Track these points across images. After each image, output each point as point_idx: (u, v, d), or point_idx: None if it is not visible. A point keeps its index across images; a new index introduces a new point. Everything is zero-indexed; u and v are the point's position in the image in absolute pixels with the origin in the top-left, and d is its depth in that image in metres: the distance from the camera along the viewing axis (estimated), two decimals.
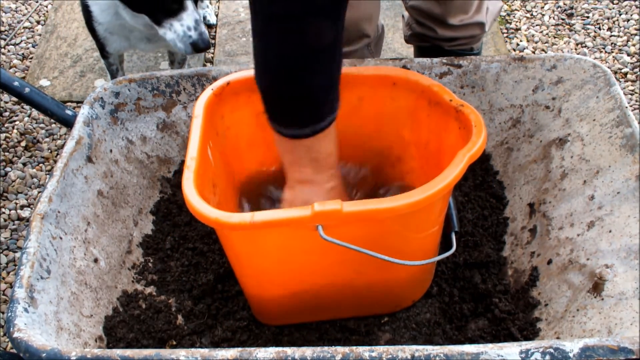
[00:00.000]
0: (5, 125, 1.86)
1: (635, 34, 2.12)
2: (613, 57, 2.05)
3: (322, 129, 0.95)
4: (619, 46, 2.09)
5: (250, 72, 1.15)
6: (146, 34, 1.58)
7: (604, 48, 2.08)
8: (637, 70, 2.00)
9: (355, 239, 0.92)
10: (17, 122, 1.86)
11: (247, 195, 1.23)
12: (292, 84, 0.91)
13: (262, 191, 1.24)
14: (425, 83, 1.10)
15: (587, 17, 2.21)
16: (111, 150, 1.24)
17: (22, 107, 1.91)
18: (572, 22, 2.20)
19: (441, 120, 1.09)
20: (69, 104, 1.93)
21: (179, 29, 1.42)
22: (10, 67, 2.07)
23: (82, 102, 1.74)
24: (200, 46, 1.43)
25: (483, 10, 1.54)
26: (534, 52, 2.09)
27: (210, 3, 2.30)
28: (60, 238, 1.04)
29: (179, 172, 1.35)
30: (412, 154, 1.20)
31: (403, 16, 1.70)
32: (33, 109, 1.86)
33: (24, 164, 1.75)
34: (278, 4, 0.84)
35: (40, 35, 2.18)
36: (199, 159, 0.99)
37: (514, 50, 2.10)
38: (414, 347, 0.80)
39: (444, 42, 1.58)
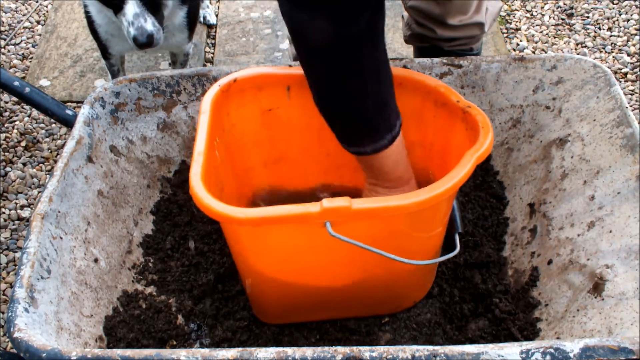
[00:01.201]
0: (5, 125, 1.86)
1: (635, 34, 2.12)
2: (613, 57, 2.05)
3: (383, 147, 0.98)
4: (619, 46, 2.08)
5: (257, 70, 1.15)
6: None
7: (604, 48, 2.08)
8: (637, 70, 2.00)
9: (361, 237, 0.92)
10: (17, 122, 1.86)
11: (253, 193, 1.23)
12: (343, 108, 0.95)
13: (274, 191, 1.25)
14: (432, 84, 1.10)
15: (587, 17, 2.21)
16: (111, 150, 1.24)
17: (22, 107, 1.90)
18: (572, 22, 2.20)
19: (447, 121, 1.09)
20: (69, 104, 1.93)
21: (125, 25, 1.37)
22: (10, 67, 2.06)
23: (82, 102, 1.74)
24: (139, 40, 1.35)
25: (482, 11, 1.54)
26: (534, 52, 2.09)
27: (210, 3, 2.30)
28: (61, 238, 1.04)
29: (179, 172, 1.35)
30: (417, 154, 1.20)
31: (403, 16, 1.70)
32: (33, 109, 1.86)
33: (24, 164, 1.75)
34: (315, 36, 0.88)
35: (40, 35, 2.18)
36: (206, 154, 0.99)
37: (514, 50, 2.10)
38: (415, 347, 0.80)
39: (444, 42, 1.58)
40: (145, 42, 1.36)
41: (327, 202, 0.89)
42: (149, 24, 1.36)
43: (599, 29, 2.16)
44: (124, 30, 1.39)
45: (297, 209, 0.90)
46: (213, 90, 1.11)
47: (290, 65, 1.19)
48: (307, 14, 0.87)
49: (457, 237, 1.10)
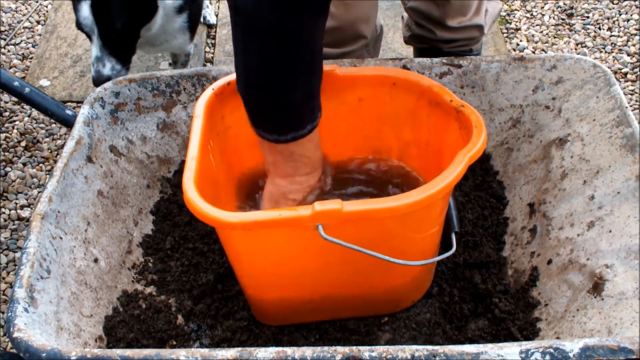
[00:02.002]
0: (5, 125, 1.86)
1: (635, 34, 2.12)
2: (613, 57, 2.05)
3: (303, 135, 0.96)
4: (619, 46, 2.09)
5: None
6: (148, 40, 1.58)
7: (604, 48, 2.08)
8: (637, 70, 2.00)
9: (355, 239, 0.92)
10: (17, 122, 1.86)
11: (248, 196, 1.23)
12: (272, 98, 0.93)
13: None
14: (426, 84, 1.10)
15: (587, 17, 2.21)
16: (111, 150, 1.24)
17: (22, 107, 1.91)
18: (572, 22, 2.20)
19: (441, 120, 1.09)
20: (69, 104, 1.93)
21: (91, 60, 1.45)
22: (10, 67, 2.07)
23: (82, 102, 1.74)
24: (95, 82, 1.43)
25: (482, 13, 1.54)
26: (534, 52, 2.09)
27: (210, 3, 2.30)
28: (60, 238, 1.04)
29: (179, 172, 1.35)
30: (412, 154, 1.20)
31: (402, 17, 1.70)
32: (33, 109, 1.86)
33: (24, 164, 1.75)
34: (258, 18, 0.85)
35: (40, 35, 2.18)
36: (199, 159, 0.99)
37: (514, 50, 2.10)
38: (414, 347, 0.80)
39: (443, 43, 1.58)
40: (100, 83, 1.41)
41: (319, 205, 0.89)
42: (107, 68, 1.43)
43: (599, 29, 2.16)
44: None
45: (288, 213, 0.90)
46: (207, 94, 1.10)
47: None
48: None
49: (453, 237, 1.10)
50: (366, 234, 0.95)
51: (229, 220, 0.90)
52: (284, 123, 0.96)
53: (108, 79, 1.41)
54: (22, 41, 2.17)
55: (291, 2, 0.83)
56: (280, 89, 0.91)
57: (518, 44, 2.12)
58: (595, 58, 2.05)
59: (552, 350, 0.79)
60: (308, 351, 0.80)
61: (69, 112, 1.46)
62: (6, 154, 1.77)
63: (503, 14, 2.25)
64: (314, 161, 1.02)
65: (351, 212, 0.89)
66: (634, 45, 2.08)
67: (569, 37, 2.14)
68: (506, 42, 2.14)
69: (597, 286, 1.02)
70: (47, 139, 1.82)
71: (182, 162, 1.36)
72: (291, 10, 0.83)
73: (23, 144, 1.81)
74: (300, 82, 0.91)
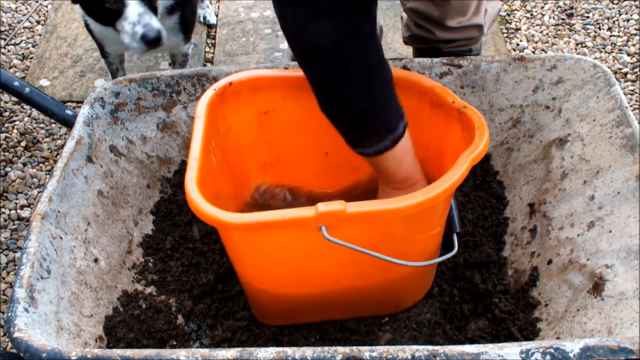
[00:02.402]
0: (5, 125, 1.86)
1: (635, 34, 2.12)
2: (613, 57, 2.05)
3: (385, 148, 0.98)
4: (619, 46, 2.08)
5: (252, 72, 1.15)
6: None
7: (604, 48, 2.08)
8: (637, 70, 2.00)
9: (358, 240, 0.92)
10: (17, 122, 1.86)
11: (250, 196, 1.23)
12: (338, 110, 0.96)
13: (272, 194, 1.25)
14: (428, 84, 1.10)
15: (587, 17, 2.21)
16: (111, 150, 1.24)
17: (22, 107, 1.91)
18: (572, 22, 2.20)
19: (443, 121, 1.09)
20: (69, 104, 1.93)
21: (128, 29, 1.36)
22: (10, 67, 2.06)
23: (82, 102, 1.74)
24: (149, 37, 1.34)
25: (481, 13, 1.54)
26: (534, 52, 2.09)
27: (210, 3, 2.30)
28: (61, 238, 1.04)
29: (179, 172, 1.35)
30: (415, 155, 1.20)
31: (402, 17, 1.70)
32: (33, 109, 1.86)
33: (24, 164, 1.75)
34: (299, 41, 0.89)
35: (40, 35, 2.18)
36: (201, 159, 0.99)
37: (514, 50, 2.10)
38: (414, 347, 0.80)
39: (443, 44, 1.58)
40: (154, 38, 1.35)
41: (322, 206, 0.89)
42: (154, 21, 1.37)
43: (599, 29, 2.16)
44: (126, 36, 1.38)
45: (291, 214, 0.90)
46: (208, 95, 1.10)
47: (286, 67, 1.19)
48: (291, 13, 0.88)
49: (455, 237, 1.10)
50: (369, 235, 0.95)
51: (231, 221, 0.89)
52: (360, 135, 0.98)
53: (159, 32, 1.36)
54: (22, 41, 2.16)
55: (326, 8, 0.85)
56: (341, 101, 0.94)
57: (518, 44, 2.12)
58: (595, 58, 2.05)
59: (552, 350, 0.79)
60: (308, 351, 0.80)
61: (69, 112, 1.46)
62: (6, 154, 1.77)
63: (503, 14, 2.25)
64: (397, 180, 1.03)
65: (354, 214, 0.89)
66: (634, 45, 2.08)
67: (569, 37, 2.14)
68: (506, 42, 2.14)
69: (597, 286, 1.02)
70: (47, 139, 1.82)
71: (182, 162, 1.36)
72: (327, 28, 0.86)
73: (23, 144, 1.81)
74: (359, 91, 0.93)
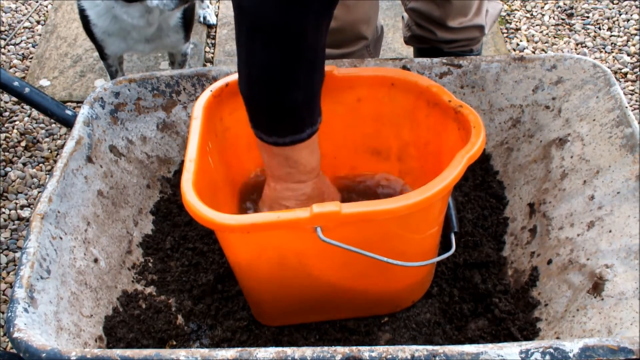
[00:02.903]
0: (5, 125, 1.86)
1: (635, 34, 2.12)
2: (613, 57, 2.05)
3: (302, 140, 0.96)
4: (619, 46, 2.09)
5: None
6: (144, 35, 1.57)
7: (604, 48, 2.08)
8: (637, 70, 2.00)
9: (354, 240, 0.92)
10: (17, 122, 1.86)
11: (249, 198, 1.23)
12: (273, 96, 0.92)
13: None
14: (424, 84, 1.10)
15: (587, 17, 2.21)
16: (111, 150, 1.24)
17: (22, 107, 1.91)
18: (572, 22, 2.20)
19: (440, 121, 1.09)
20: (69, 104, 1.93)
21: None
22: (10, 67, 2.07)
23: (82, 102, 1.74)
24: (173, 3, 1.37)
25: (482, 13, 1.54)
26: (534, 52, 2.09)
27: (210, 3, 2.30)
28: (60, 238, 1.04)
29: (179, 172, 1.35)
30: (412, 154, 1.20)
31: (403, 17, 1.70)
32: (33, 109, 1.86)
33: (24, 164, 1.75)
34: (263, 17, 0.85)
35: (40, 35, 2.18)
36: (198, 161, 0.99)
37: (514, 50, 2.10)
38: (414, 347, 0.80)
39: (444, 44, 1.58)
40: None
41: (317, 207, 0.89)
42: None
43: (599, 29, 2.16)
44: (156, 1, 1.39)
45: (286, 215, 0.90)
46: (205, 96, 1.10)
47: None
48: None
49: (452, 237, 1.10)
50: (365, 235, 0.95)
51: (227, 222, 0.90)
52: (284, 124, 0.95)
53: None
54: (22, 41, 2.17)
55: (295, 1, 0.83)
56: (282, 88, 0.91)
57: (518, 44, 2.12)
58: (595, 58, 2.05)
59: (552, 350, 0.79)
60: (308, 351, 0.80)
61: (69, 112, 1.46)
62: (6, 154, 1.77)
63: (503, 14, 2.25)
64: (308, 170, 1.01)
65: (350, 214, 0.89)
66: (634, 45, 2.08)
67: (569, 37, 2.14)
68: (506, 42, 2.14)
69: (597, 286, 1.02)
70: (47, 139, 1.82)
71: (182, 162, 1.35)
72: (295, 8, 0.83)
73: (23, 144, 1.81)
74: (301, 81, 0.91)
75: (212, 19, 2.23)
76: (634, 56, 2.04)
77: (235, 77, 1.14)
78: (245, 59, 0.91)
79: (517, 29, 2.19)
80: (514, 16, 2.25)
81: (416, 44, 1.67)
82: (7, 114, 1.89)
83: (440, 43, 1.58)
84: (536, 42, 2.13)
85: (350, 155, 1.24)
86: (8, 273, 1.50)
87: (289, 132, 0.95)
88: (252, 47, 0.89)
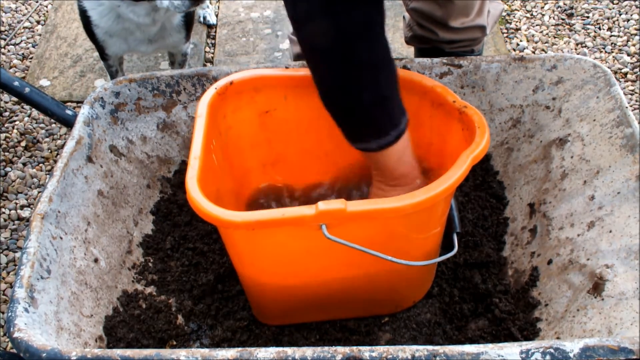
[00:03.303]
0: (5, 125, 1.86)
1: (635, 34, 2.12)
2: (613, 57, 2.05)
3: (388, 144, 0.97)
4: (619, 46, 2.08)
5: (253, 72, 1.15)
6: (147, 35, 1.57)
7: (604, 48, 2.08)
8: (637, 70, 2.00)
9: (358, 239, 0.92)
10: (17, 122, 1.86)
11: (251, 195, 1.23)
12: (341, 102, 0.95)
13: (272, 195, 1.25)
14: (429, 84, 1.10)
15: (587, 17, 2.21)
16: (111, 150, 1.24)
17: (22, 107, 1.90)
18: (572, 22, 2.20)
19: (444, 121, 1.09)
20: (69, 104, 1.93)
21: None
22: (10, 67, 2.06)
23: (82, 102, 1.75)
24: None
25: (484, 13, 1.54)
26: (534, 52, 2.09)
27: (210, 3, 2.30)
28: (61, 238, 1.04)
29: (179, 172, 1.35)
30: (415, 154, 1.20)
31: (404, 17, 1.69)
32: (33, 109, 1.86)
33: (24, 164, 1.75)
34: (313, 32, 0.89)
35: (40, 35, 2.18)
36: (202, 158, 0.99)
37: (514, 50, 2.10)
38: (414, 347, 0.80)
39: (445, 44, 1.58)
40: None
41: (323, 205, 0.89)
42: None
43: (599, 29, 2.16)
44: (166, 2, 1.39)
45: (292, 212, 0.90)
46: (209, 94, 1.10)
47: (286, 67, 1.19)
48: (305, 9, 0.87)
49: (455, 237, 1.10)
50: (369, 234, 0.95)
51: (232, 219, 0.89)
52: (362, 130, 0.97)
53: None
54: (22, 41, 2.16)
55: (341, 5, 0.85)
56: (346, 93, 0.93)
57: (518, 44, 2.12)
58: (595, 58, 2.05)
59: (552, 350, 0.79)
60: (308, 351, 0.80)
61: (69, 112, 1.46)
62: (6, 154, 1.77)
63: (503, 14, 2.25)
64: (396, 176, 1.03)
65: (355, 212, 0.89)
66: (634, 45, 2.08)
67: (569, 37, 2.14)
68: (506, 42, 2.14)
69: (597, 286, 1.02)
70: (47, 139, 1.82)
71: (182, 162, 1.36)
72: (343, 12, 0.86)
73: (23, 144, 1.81)
74: (364, 84, 0.93)
75: (212, 19, 2.23)
76: (634, 56, 2.04)
77: (239, 75, 1.15)
78: (313, 72, 0.96)
79: (517, 29, 2.19)
80: (514, 16, 2.25)
81: (417, 44, 1.67)
82: (7, 114, 1.89)
83: (442, 43, 1.58)
84: (536, 42, 2.13)
85: (354, 156, 1.24)
86: (8, 273, 1.50)
87: (373, 138, 0.97)
88: (314, 60, 0.94)
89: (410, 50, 2.03)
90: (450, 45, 1.58)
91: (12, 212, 1.62)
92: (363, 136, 0.98)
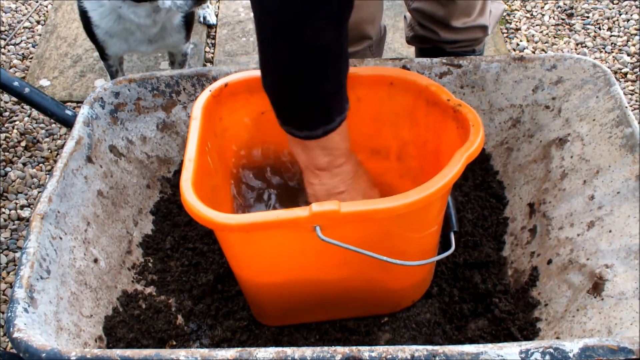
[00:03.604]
0: (5, 125, 1.86)
1: (635, 34, 2.12)
2: (613, 57, 2.05)
3: (333, 129, 0.96)
4: (619, 46, 2.08)
5: (248, 73, 1.15)
6: (147, 35, 1.58)
7: (604, 48, 2.08)
8: (637, 70, 2.00)
9: (353, 239, 0.92)
10: (17, 122, 1.86)
11: (244, 197, 1.23)
12: (301, 91, 0.92)
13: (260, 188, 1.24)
14: (423, 83, 1.10)
15: (587, 17, 2.21)
16: (111, 150, 1.24)
17: (22, 107, 1.91)
18: (572, 22, 2.20)
19: (439, 120, 1.09)
20: (69, 104, 1.93)
21: None
22: (10, 67, 2.07)
23: (82, 102, 1.74)
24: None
25: (486, 13, 1.54)
26: (534, 52, 2.09)
27: (210, 3, 2.30)
28: (60, 238, 1.04)
29: (179, 172, 1.35)
30: (411, 153, 1.20)
31: (405, 17, 1.69)
32: (33, 109, 1.86)
33: (24, 164, 1.75)
34: (283, 15, 0.85)
35: (40, 35, 2.18)
36: (197, 161, 0.99)
37: (514, 50, 2.10)
38: (414, 347, 0.80)
39: (446, 44, 1.58)
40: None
41: (316, 207, 0.89)
42: None
43: (599, 29, 2.16)
44: (168, 2, 1.39)
45: (286, 214, 0.90)
46: (204, 96, 1.10)
47: None
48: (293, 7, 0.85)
49: (452, 236, 1.10)
50: (364, 234, 0.95)
51: (226, 222, 0.90)
52: (315, 117, 0.95)
53: None
54: (22, 41, 2.17)
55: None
56: (311, 82, 0.91)
57: (518, 44, 2.12)
58: (595, 58, 2.05)
59: (552, 350, 0.79)
60: (308, 351, 0.80)
61: (69, 112, 1.46)
62: (6, 154, 1.77)
63: (503, 14, 2.25)
64: (344, 152, 1.01)
65: (349, 213, 0.89)
66: (634, 45, 2.08)
67: (569, 37, 2.14)
68: (506, 42, 2.14)
69: (597, 286, 1.02)
70: (47, 139, 1.82)
71: (182, 162, 1.35)
72: (317, 5, 0.83)
73: (23, 144, 1.81)
74: (329, 72, 0.91)
75: (212, 19, 2.23)
76: (634, 56, 2.04)
77: (234, 77, 1.14)
78: (270, 59, 0.91)
79: (517, 29, 2.19)
80: (514, 16, 2.25)
81: (418, 44, 1.67)
82: (7, 114, 1.89)
83: (443, 43, 1.58)
84: (536, 42, 2.13)
85: None
86: (8, 273, 1.50)
87: (321, 124, 0.95)
88: (276, 45, 0.89)
89: (410, 51, 2.03)
90: (452, 45, 1.58)
91: (12, 212, 1.62)
92: (311, 124, 0.96)
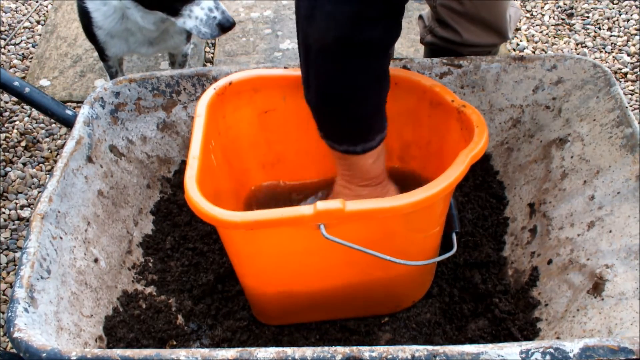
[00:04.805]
0: (5, 125, 1.86)
1: (635, 34, 2.12)
2: (613, 57, 2.04)
3: (372, 147, 0.99)
4: (619, 46, 2.08)
5: (252, 72, 1.15)
6: (148, 38, 1.57)
7: (604, 48, 2.08)
8: (637, 70, 1.99)
9: (357, 238, 0.92)
10: (17, 122, 1.86)
11: (253, 194, 1.23)
12: (347, 110, 0.95)
13: (274, 195, 1.25)
14: (427, 84, 1.10)
15: (587, 17, 2.21)
16: (111, 150, 1.24)
17: (22, 107, 1.90)
18: (572, 22, 2.20)
19: (443, 120, 1.09)
20: (69, 104, 1.93)
21: (200, 13, 1.39)
22: (10, 67, 2.06)
23: (82, 102, 1.74)
24: (226, 25, 1.40)
25: (506, 18, 1.50)
26: (534, 52, 2.09)
27: None
28: (61, 238, 1.04)
29: (179, 172, 1.35)
30: (413, 154, 1.20)
31: (421, 17, 1.62)
32: (33, 109, 1.86)
33: (24, 164, 1.75)
34: (332, 37, 0.87)
35: (40, 35, 2.18)
36: (201, 158, 0.99)
37: (514, 50, 2.10)
38: (414, 347, 0.80)
39: (465, 47, 1.51)
40: (230, 25, 1.41)
41: (321, 205, 0.89)
42: (227, 11, 1.42)
43: (599, 29, 2.16)
44: (192, 21, 1.40)
45: (290, 212, 0.90)
46: (208, 94, 1.11)
47: (285, 67, 1.19)
48: (330, 10, 0.86)
49: (454, 237, 1.10)
50: (368, 233, 0.95)
51: (230, 219, 0.89)
52: (356, 134, 0.98)
53: (234, 21, 1.42)
54: (22, 41, 2.16)
55: (369, 19, 0.85)
56: (354, 101, 0.94)
57: (518, 44, 2.12)
58: (595, 58, 2.05)
59: (552, 350, 0.79)
60: (308, 351, 0.80)
61: (69, 112, 1.46)
62: (6, 154, 1.77)
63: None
64: (371, 177, 1.04)
65: (353, 212, 0.89)
66: (634, 45, 2.08)
67: (569, 37, 2.13)
68: (506, 42, 2.13)
69: (597, 286, 1.02)
70: (47, 139, 1.82)
71: (182, 162, 1.36)
72: (369, 25, 0.86)
73: (23, 144, 1.81)
74: (372, 93, 0.94)
75: None
76: (634, 56, 2.04)
77: (238, 75, 1.14)
78: (315, 77, 0.94)
79: (517, 29, 2.19)
80: None
81: (435, 45, 1.59)
82: (7, 114, 1.89)
83: (462, 47, 1.51)
84: (536, 42, 2.12)
85: None
86: (8, 273, 1.50)
87: (361, 141, 0.98)
88: (320, 62, 0.91)
89: (410, 51, 2.03)
90: (470, 49, 1.52)
91: (12, 212, 1.62)
92: (352, 139, 0.99)
